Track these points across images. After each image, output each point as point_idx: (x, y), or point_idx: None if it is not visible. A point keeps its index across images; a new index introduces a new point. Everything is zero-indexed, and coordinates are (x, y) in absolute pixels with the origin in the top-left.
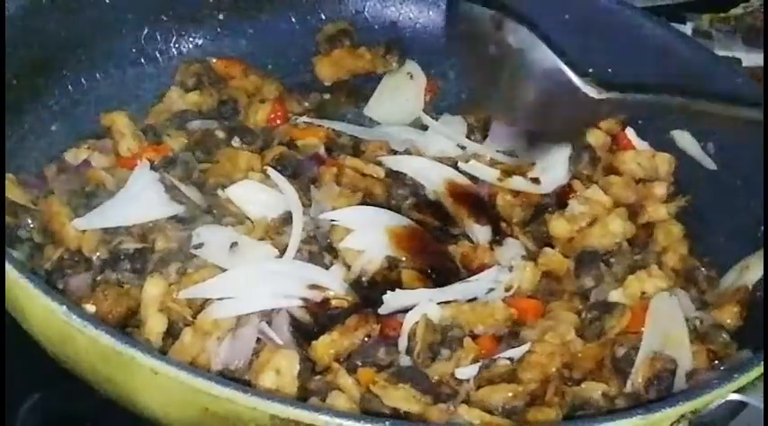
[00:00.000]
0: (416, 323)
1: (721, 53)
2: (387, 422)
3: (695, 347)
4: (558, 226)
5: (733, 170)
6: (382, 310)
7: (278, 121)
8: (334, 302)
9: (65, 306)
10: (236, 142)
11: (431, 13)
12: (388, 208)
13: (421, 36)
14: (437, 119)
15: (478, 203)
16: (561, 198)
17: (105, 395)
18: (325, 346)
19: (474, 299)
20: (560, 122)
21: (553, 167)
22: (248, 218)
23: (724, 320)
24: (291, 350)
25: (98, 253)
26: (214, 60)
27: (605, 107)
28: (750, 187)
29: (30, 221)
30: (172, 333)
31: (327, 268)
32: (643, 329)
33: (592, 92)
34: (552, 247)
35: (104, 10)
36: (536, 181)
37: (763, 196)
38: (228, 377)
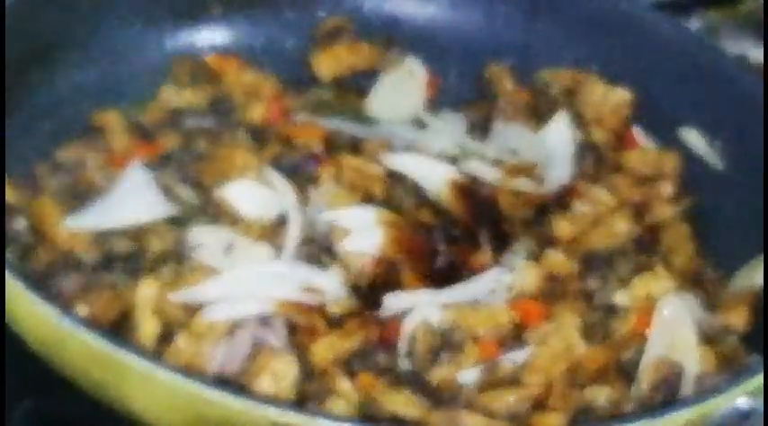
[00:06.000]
0: (416, 326)
1: (729, 49)
2: None
3: (702, 350)
4: (562, 226)
5: (741, 169)
6: (382, 313)
7: (275, 119)
8: (331, 308)
9: (56, 309)
10: (231, 140)
11: (432, 8)
12: (388, 208)
13: (421, 32)
14: (437, 117)
15: (480, 203)
16: (565, 198)
17: (99, 400)
18: (324, 349)
19: (476, 301)
20: None
21: (557, 166)
22: (244, 219)
23: (733, 323)
24: (289, 354)
25: (90, 254)
26: (209, 57)
27: None
28: (759, 186)
29: (20, 221)
30: (166, 337)
31: (325, 269)
32: (649, 332)
33: None
34: (555, 248)
35: (96, 6)
36: (539, 180)
37: None
38: (224, 382)
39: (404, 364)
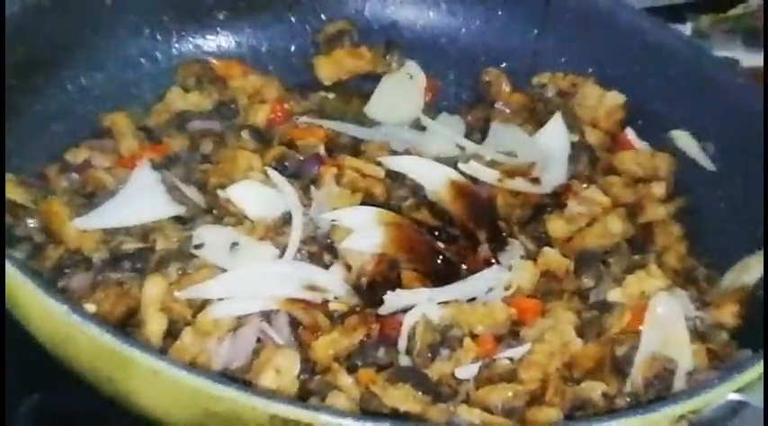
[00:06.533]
0: (416, 323)
1: (720, 53)
2: (387, 422)
3: (695, 347)
4: (557, 226)
5: (732, 170)
6: (382, 310)
7: (278, 121)
8: (333, 306)
9: (65, 306)
10: (236, 142)
11: (431, 13)
12: (388, 209)
13: (421, 36)
14: (436, 119)
15: (478, 203)
16: (560, 198)
17: (106, 396)
18: (325, 346)
19: (474, 299)
20: None
21: (553, 167)
22: (248, 219)
23: (724, 320)
24: (291, 350)
25: (98, 253)
26: (214, 60)
27: None
28: (749, 187)
29: (30, 221)
30: (172, 333)
31: (327, 268)
32: (642, 328)
33: None
34: (551, 247)
35: (105, 10)
36: (535, 181)
37: (762, 196)
38: (229, 377)
39: (404, 360)
